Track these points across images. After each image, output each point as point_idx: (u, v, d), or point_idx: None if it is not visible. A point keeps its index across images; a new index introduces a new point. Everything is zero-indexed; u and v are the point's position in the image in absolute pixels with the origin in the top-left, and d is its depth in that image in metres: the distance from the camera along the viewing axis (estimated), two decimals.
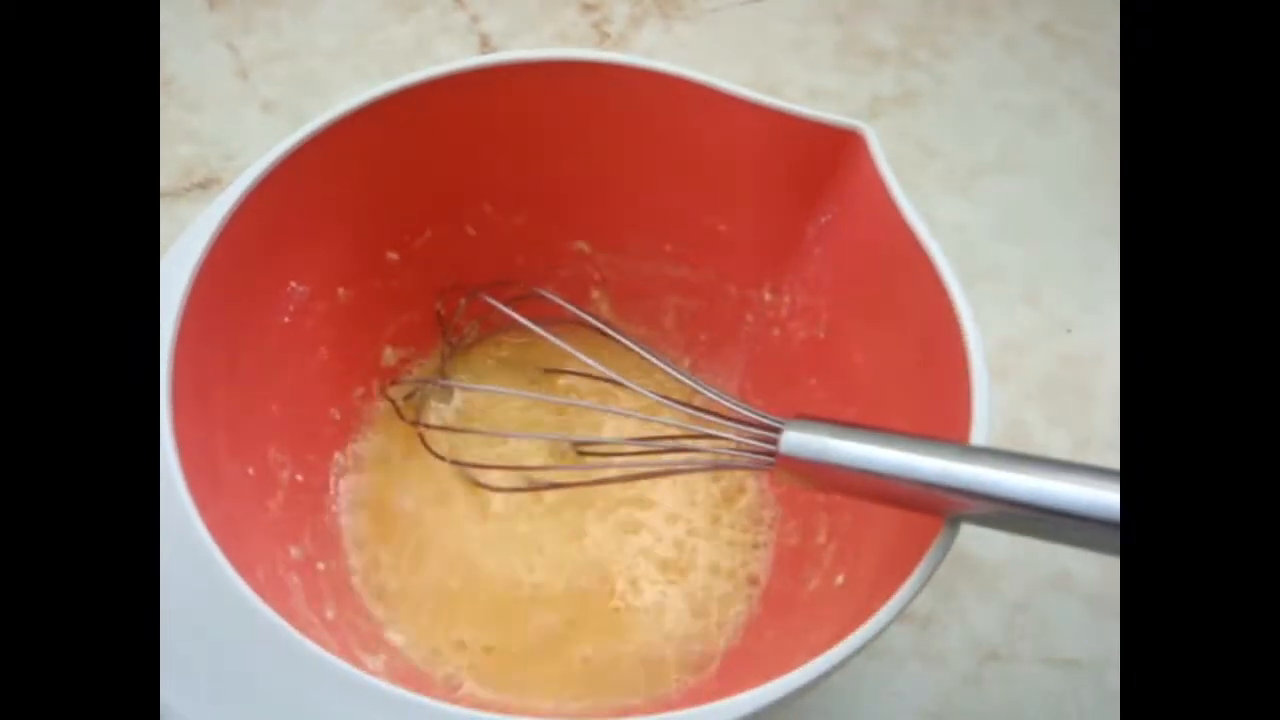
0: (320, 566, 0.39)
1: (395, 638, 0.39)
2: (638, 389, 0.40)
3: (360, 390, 0.44)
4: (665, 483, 0.43)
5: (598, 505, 0.42)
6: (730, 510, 0.43)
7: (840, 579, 0.37)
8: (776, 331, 0.43)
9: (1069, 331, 0.49)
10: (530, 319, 0.42)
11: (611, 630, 0.40)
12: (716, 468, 0.38)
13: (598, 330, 0.41)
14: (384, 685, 0.28)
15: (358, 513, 0.42)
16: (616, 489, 0.43)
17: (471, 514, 0.42)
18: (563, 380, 0.46)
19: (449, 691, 0.38)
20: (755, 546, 0.42)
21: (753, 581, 0.41)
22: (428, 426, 0.43)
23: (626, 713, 0.37)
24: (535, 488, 0.42)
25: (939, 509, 0.30)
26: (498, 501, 0.42)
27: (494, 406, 0.45)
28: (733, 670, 0.38)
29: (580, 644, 0.39)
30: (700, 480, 0.43)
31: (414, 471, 0.43)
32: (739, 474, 0.43)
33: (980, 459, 0.30)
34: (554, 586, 0.41)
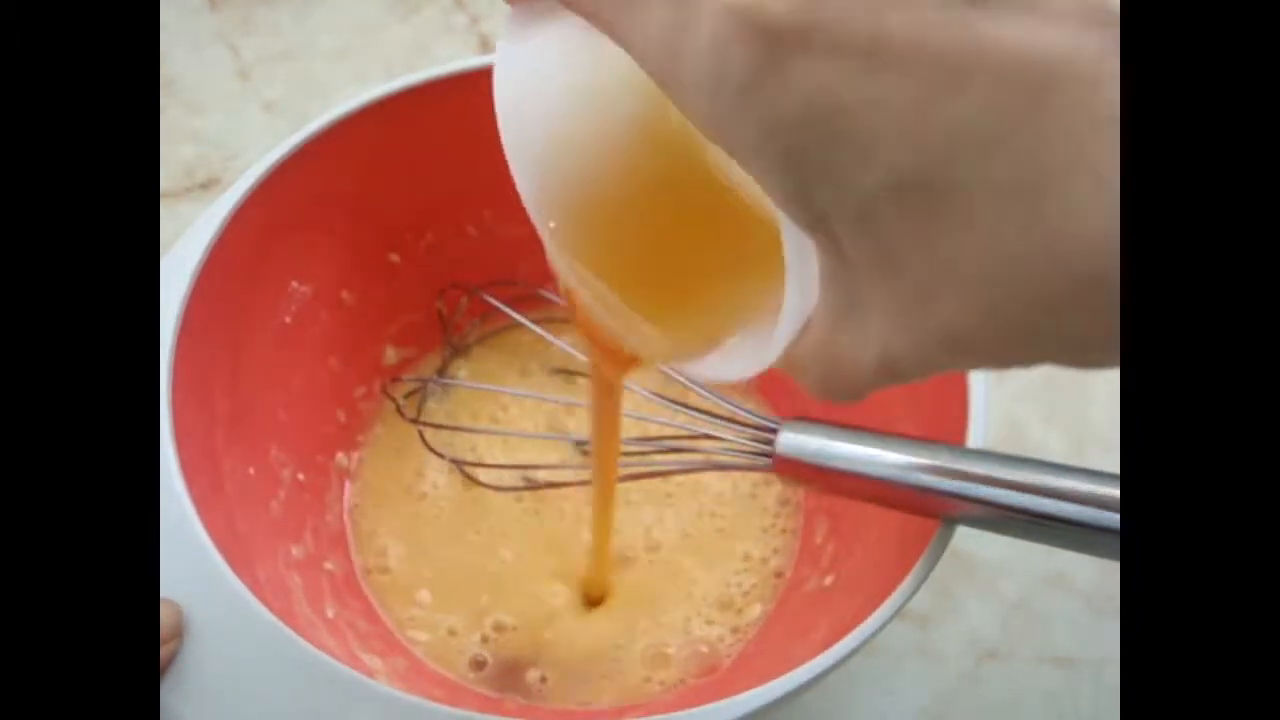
0: (323, 565, 0.39)
1: (404, 630, 0.40)
2: (637, 389, 0.40)
3: (362, 389, 0.44)
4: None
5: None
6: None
7: (829, 580, 0.37)
8: None
9: None
10: (531, 318, 0.42)
11: (628, 614, 0.40)
12: (714, 468, 0.38)
13: None
14: (380, 686, 0.28)
15: (360, 510, 0.42)
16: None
17: (476, 508, 0.42)
18: (568, 380, 0.46)
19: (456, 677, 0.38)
20: (776, 551, 0.41)
21: (778, 574, 0.41)
22: (427, 425, 0.43)
23: (625, 712, 0.37)
24: (534, 486, 0.42)
25: (935, 511, 0.31)
26: (500, 497, 0.42)
27: (494, 405, 0.45)
28: (732, 668, 0.38)
29: (593, 629, 0.40)
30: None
31: (415, 470, 0.43)
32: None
33: (976, 462, 0.30)
34: (561, 573, 0.41)
